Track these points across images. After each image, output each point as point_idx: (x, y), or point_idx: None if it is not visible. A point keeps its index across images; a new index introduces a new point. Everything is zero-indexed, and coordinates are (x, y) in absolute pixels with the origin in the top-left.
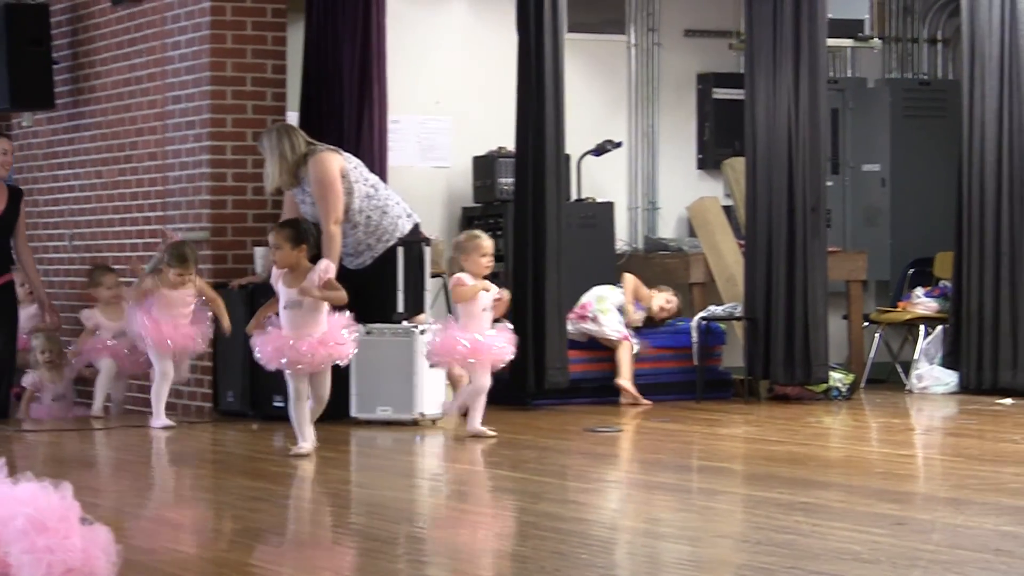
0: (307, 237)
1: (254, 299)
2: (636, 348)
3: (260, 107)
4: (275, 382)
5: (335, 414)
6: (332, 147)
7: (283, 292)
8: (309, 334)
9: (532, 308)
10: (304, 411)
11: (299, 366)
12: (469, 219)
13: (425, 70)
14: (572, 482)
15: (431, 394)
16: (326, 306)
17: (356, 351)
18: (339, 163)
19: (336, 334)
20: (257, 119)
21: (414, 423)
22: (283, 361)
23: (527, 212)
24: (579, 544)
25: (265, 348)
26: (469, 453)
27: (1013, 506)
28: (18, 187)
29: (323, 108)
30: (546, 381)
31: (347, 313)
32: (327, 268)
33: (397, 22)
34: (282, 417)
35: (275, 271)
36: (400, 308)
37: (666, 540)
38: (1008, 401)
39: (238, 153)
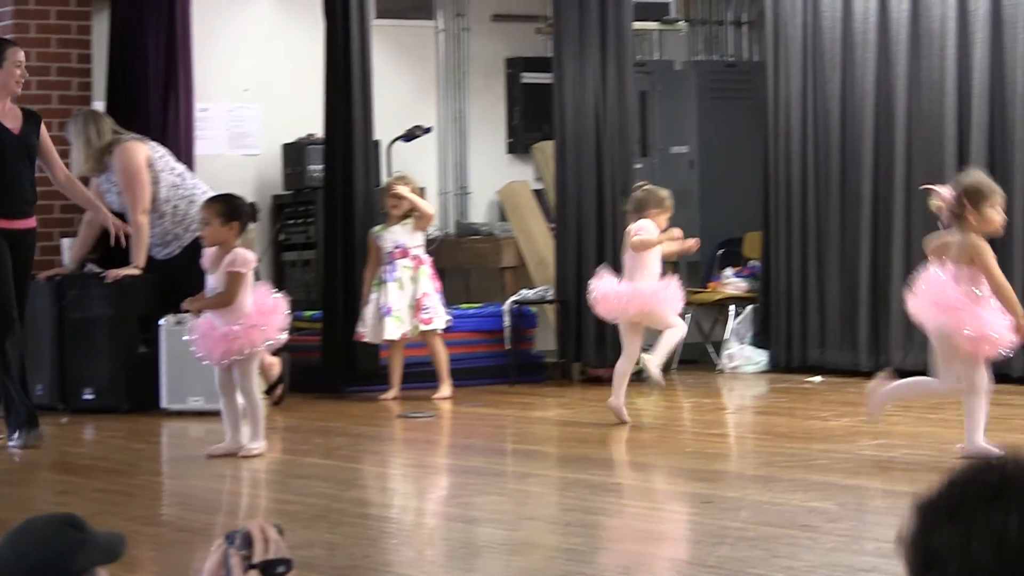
0: (240, 213)
1: (62, 291)
2: None
3: (66, 97)
4: (85, 375)
5: (145, 405)
6: (138, 136)
7: (208, 277)
8: (235, 321)
9: (343, 295)
10: (228, 405)
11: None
12: (279, 207)
13: (233, 57)
14: (384, 468)
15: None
16: (248, 288)
17: (282, 335)
18: (145, 152)
19: (262, 317)
20: (63, 109)
21: None
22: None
23: (336, 199)
24: (390, 530)
25: (201, 343)
26: (281, 442)
27: (820, 482)
28: (33, 110)
29: (129, 97)
30: (358, 368)
31: (277, 293)
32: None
33: (203, 9)
34: (92, 410)
35: (206, 251)
36: None
37: (478, 524)
38: (817, 379)
39: None
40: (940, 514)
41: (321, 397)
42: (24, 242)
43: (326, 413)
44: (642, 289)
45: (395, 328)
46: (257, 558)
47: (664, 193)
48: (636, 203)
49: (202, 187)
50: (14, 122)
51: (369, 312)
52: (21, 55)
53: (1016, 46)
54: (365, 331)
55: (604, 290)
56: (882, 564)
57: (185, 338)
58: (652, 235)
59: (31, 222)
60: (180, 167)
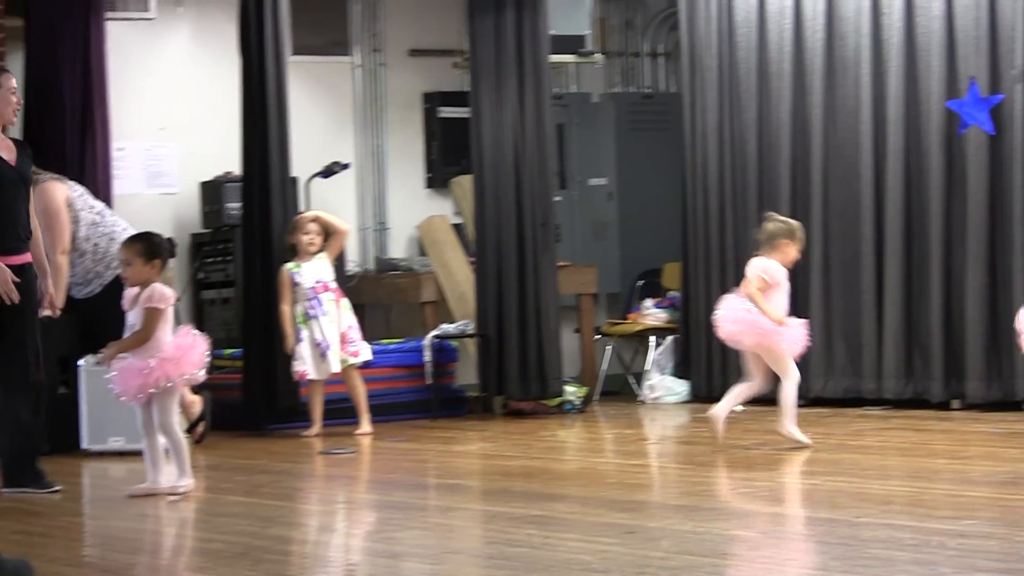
0: (160, 251)
1: None
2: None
3: None
4: None
5: (65, 446)
6: (56, 176)
7: (128, 315)
8: (152, 356)
9: (263, 333)
10: (150, 445)
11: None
12: (198, 245)
13: (149, 96)
14: (306, 505)
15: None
16: (167, 325)
17: (200, 372)
18: (64, 192)
19: (179, 352)
20: None
21: None
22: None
23: (255, 236)
24: (314, 567)
25: (118, 379)
26: (204, 481)
27: (742, 510)
28: (23, 141)
29: (46, 137)
30: (279, 405)
31: (195, 331)
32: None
33: (119, 48)
34: None
35: (128, 291)
36: None
37: (402, 559)
38: (738, 408)
39: None
40: None
41: (242, 435)
42: (23, 279)
43: (248, 451)
44: (764, 323)
45: (338, 362)
46: None
47: (796, 224)
48: (768, 234)
49: (122, 224)
50: (9, 153)
51: (306, 349)
52: (14, 81)
53: (930, 74)
54: (307, 369)
55: (726, 314)
56: None
57: (107, 377)
58: (775, 279)
59: (27, 257)
60: (99, 205)
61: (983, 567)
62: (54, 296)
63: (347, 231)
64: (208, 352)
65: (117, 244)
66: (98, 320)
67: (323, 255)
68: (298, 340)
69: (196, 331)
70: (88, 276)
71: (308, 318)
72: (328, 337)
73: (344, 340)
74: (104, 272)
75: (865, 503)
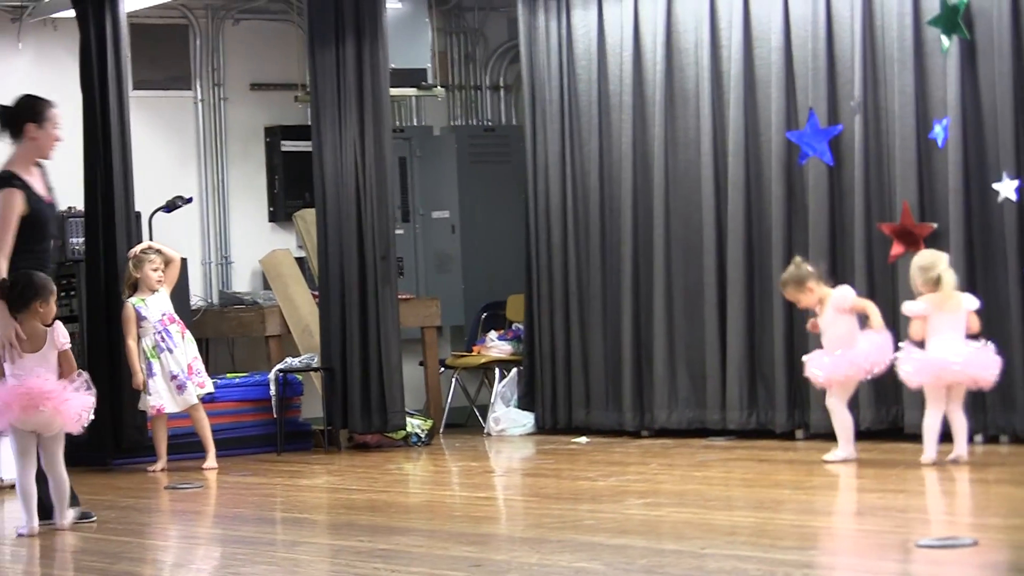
0: (24, 294)
1: None
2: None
3: None
4: None
5: None
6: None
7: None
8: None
9: (108, 368)
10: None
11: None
12: None
13: None
14: (152, 540)
15: (7, 460)
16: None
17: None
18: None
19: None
20: None
21: None
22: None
23: (99, 271)
24: None
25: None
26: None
27: (588, 542)
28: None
29: None
30: (124, 440)
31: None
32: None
33: None
34: None
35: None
36: None
37: None
38: (583, 439)
39: None
40: None
41: (87, 470)
42: None
43: (93, 486)
44: (970, 358)
45: (194, 392)
46: None
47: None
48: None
49: None
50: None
51: (160, 383)
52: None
53: (770, 105)
54: (163, 403)
55: (920, 359)
56: None
57: None
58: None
59: None
60: None
61: None
62: None
63: (180, 260)
64: (86, 406)
65: None
66: None
67: (164, 287)
68: (150, 375)
69: (77, 382)
70: None
71: (159, 351)
72: (184, 368)
73: (189, 371)
74: None
75: (710, 534)
